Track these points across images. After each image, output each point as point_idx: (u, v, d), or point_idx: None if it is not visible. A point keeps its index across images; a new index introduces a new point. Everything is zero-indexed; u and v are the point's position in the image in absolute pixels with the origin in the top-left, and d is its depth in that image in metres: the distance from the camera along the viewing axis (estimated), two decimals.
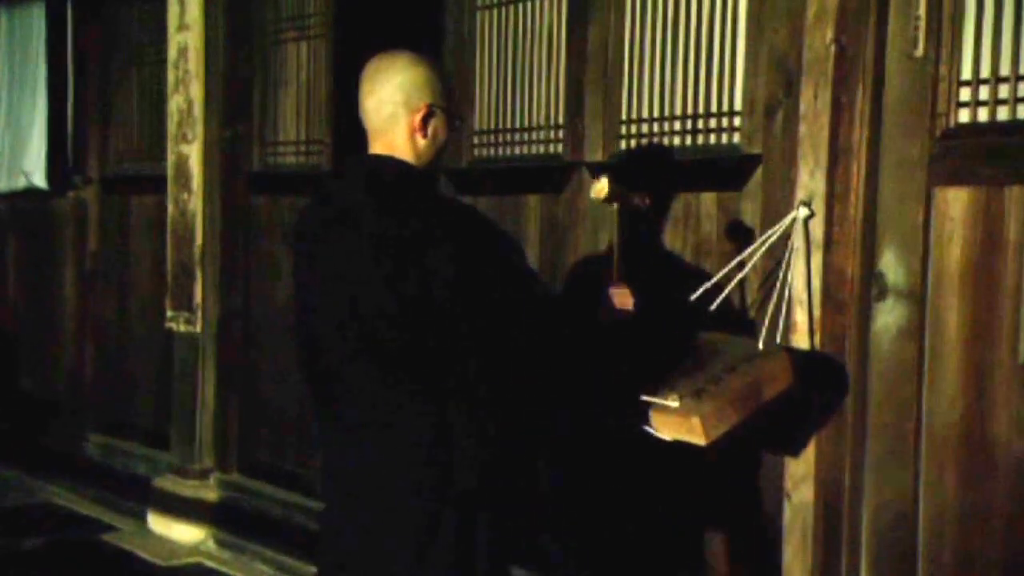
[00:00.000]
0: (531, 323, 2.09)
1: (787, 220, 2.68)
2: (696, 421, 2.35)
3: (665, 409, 2.42)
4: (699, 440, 2.38)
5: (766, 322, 2.68)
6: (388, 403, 2.07)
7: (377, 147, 2.14)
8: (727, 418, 2.40)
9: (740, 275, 2.78)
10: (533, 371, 2.18)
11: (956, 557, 2.49)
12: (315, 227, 2.16)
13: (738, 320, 2.83)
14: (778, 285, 2.70)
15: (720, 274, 2.76)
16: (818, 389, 2.64)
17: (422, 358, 2.04)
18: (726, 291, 2.75)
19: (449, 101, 2.19)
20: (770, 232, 2.70)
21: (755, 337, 2.68)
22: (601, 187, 2.33)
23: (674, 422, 2.42)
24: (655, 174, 3.16)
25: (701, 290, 2.74)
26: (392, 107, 2.10)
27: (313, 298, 2.15)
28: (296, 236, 2.22)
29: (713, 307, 2.73)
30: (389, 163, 2.11)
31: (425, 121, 2.11)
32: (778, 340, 2.67)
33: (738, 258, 2.74)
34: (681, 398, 2.41)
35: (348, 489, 2.16)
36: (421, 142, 2.12)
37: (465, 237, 2.04)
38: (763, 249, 2.72)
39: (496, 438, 2.11)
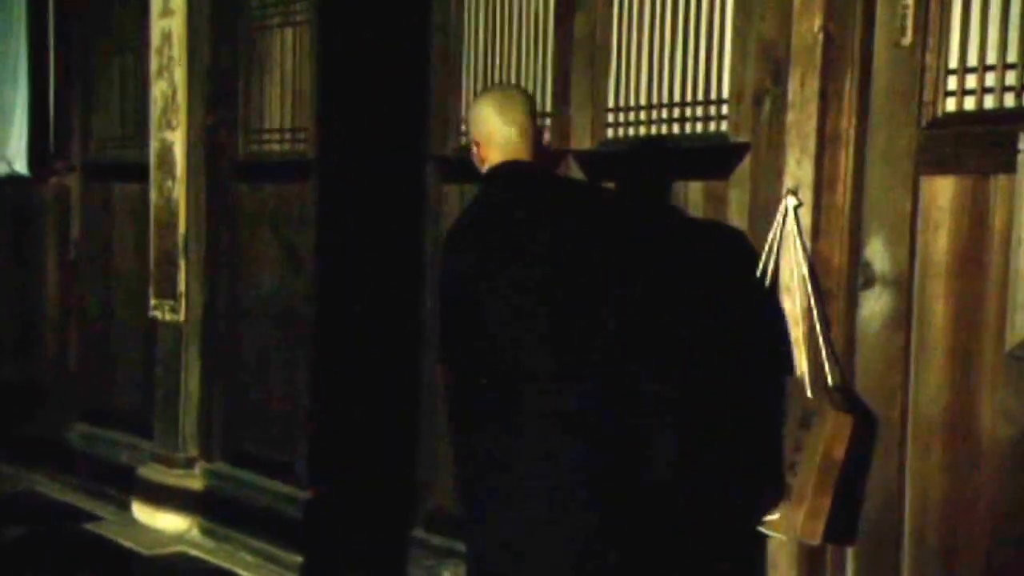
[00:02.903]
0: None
1: (779, 217, 2.68)
2: (800, 532, 2.48)
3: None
4: (813, 542, 2.51)
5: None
6: (574, 392, 2.40)
7: (513, 158, 2.58)
8: (822, 509, 2.48)
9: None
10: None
11: (941, 544, 2.50)
12: (495, 227, 2.51)
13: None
14: (769, 274, 2.70)
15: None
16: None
17: (604, 345, 2.42)
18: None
19: None
20: (771, 238, 2.69)
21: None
22: None
23: (780, 525, 2.54)
24: (643, 163, 3.15)
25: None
26: (526, 129, 2.59)
27: (502, 296, 2.44)
28: (472, 240, 2.52)
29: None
30: (534, 166, 2.61)
31: (541, 135, 2.72)
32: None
33: (759, 270, 2.73)
34: (777, 512, 2.53)
35: (529, 484, 2.41)
36: (536, 151, 2.62)
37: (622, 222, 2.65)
38: (767, 252, 2.71)
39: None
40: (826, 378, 2.59)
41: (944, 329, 2.48)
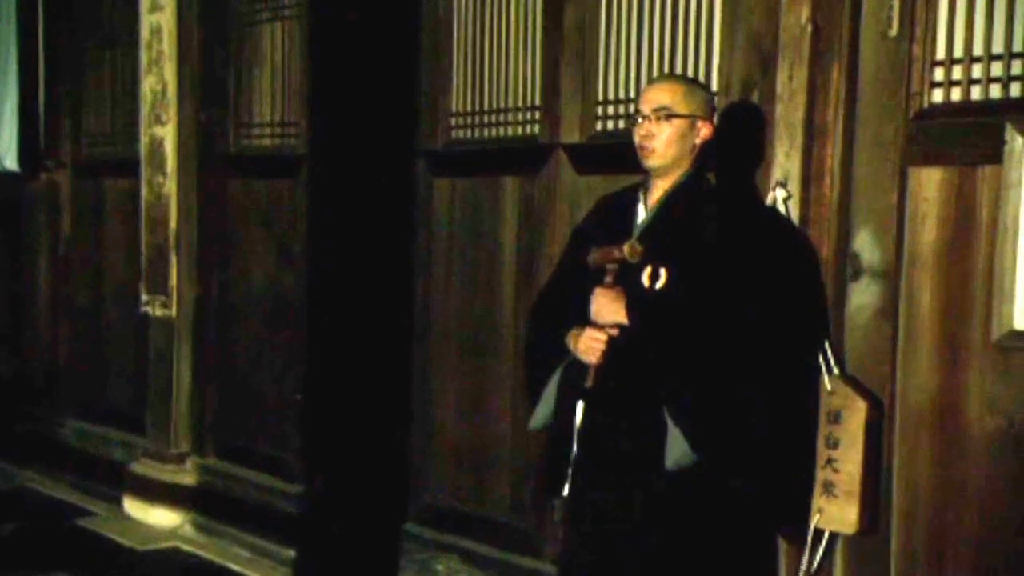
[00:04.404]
0: None
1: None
2: (858, 526, 2.51)
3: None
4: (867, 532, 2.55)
5: None
6: None
7: None
8: (872, 499, 2.51)
9: None
10: None
11: (929, 534, 2.51)
12: None
13: None
14: None
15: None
16: None
17: None
18: None
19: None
20: None
21: None
22: (636, 250, 2.40)
23: (832, 522, 2.55)
24: (632, 156, 3.15)
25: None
26: None
27: None
28: None
29: None
30: None
31: None
32: None
33: None
34: (821, 511, 2.54)
35: None
36: None
37: None
38: None
39: None
40: (833, 369, 2.60)
41: (931, 320, 2.49)
